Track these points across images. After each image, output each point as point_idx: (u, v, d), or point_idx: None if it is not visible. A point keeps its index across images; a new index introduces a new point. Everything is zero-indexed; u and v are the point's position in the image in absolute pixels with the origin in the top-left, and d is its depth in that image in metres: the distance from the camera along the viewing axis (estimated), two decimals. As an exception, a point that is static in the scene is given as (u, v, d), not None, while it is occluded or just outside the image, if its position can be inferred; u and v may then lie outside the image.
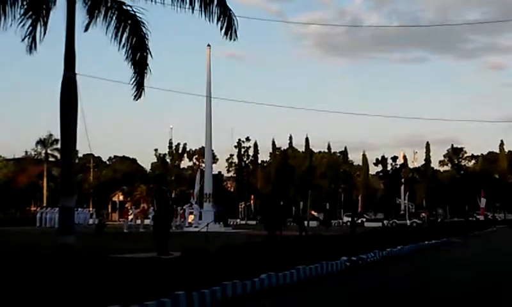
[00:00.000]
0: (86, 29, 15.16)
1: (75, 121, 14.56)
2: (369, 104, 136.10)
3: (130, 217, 52.31)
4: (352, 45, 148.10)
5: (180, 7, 15.35)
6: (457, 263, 18.48)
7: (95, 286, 8.02)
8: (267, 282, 10.92)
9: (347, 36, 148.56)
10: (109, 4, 15.22)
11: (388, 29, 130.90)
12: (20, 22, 14.74)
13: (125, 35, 15.30)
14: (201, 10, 15.33)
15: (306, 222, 71.06)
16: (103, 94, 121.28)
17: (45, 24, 14.89)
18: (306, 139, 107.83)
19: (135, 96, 15.80)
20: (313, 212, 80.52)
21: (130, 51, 15.41)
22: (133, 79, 15.60)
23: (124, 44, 15.37)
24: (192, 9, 15.34)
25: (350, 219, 55.87)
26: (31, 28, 14.85)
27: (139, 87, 15.72)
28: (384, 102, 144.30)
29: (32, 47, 15.15)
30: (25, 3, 14.71)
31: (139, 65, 15.53)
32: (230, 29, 15.61)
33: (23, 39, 14.93)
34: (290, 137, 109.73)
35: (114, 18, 15.26)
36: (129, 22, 15.34)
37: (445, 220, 75.25)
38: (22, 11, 14.72)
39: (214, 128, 52.62)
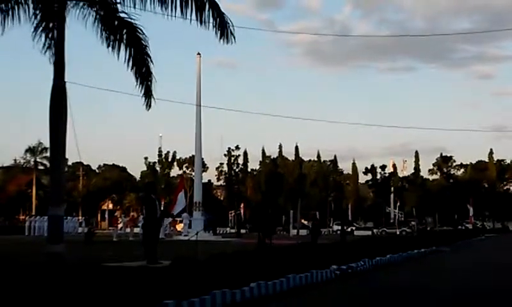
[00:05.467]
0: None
1: (65, 129, 14.52)
2: (359, 113, 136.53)
3: (119, 226, 52.07)
4: (341, 54, 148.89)
5: (172, 14, 15.31)
6: (444, 271, 18.55)
7: (84, 295, 8.00)
8: (256, 291, 10.92)
9: (336, 44, 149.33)
10: (102, 13, 15.17)
11: (377, 37, 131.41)
12: (35, 34, 14.74)
13: (122, 44, 15.23)
14: (194, 17, 15.27)
15: (296, 231, 71.41)
16: (93, 102, 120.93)
17: (62, 34, 14.80)
18: (296, 148, 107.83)
19: (146, 105, 15.74)
20: (303, 221, 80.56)
21: (130, 60, 15.31)
22: (140, 89, 15.51)
23: (123, 53, 15.29)
24: (185, 16, 15.30)
25: (340, 228, 55.96)
26: (48, 40, 14.81)
27: (148, 96, 15.65)
28: (374, 111, 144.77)
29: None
30: (38, 16, 14.71)
31: (143, 74, 15.46)
32: (225, 32, 15.54)
33: (44, 52, 14.89)
34: (280, 146, 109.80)
35: (109, 27, 15.20)
36: (125, 30, 15.29)
37: (434, 228, 75.45)
38: (35, 23, 14.71)
39: (204, 137, 52.62)
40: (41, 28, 14.74)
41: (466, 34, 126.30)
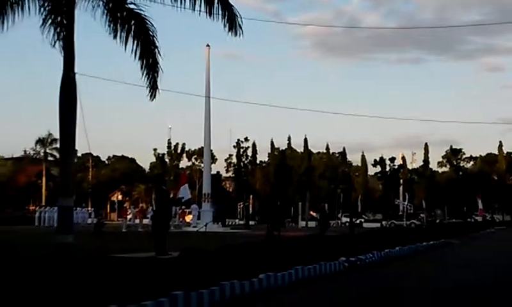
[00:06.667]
0: (116, 37, 15.13)
1: (75, 120, 14.54)
2: (368, 105, 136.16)
3: (128, 217, 52.36)
4: (350, 46, 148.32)
5: (181, 6, 15.29)
6: (453, 265, 18.52)
7: (93, 285, 8.03)
8: (265, 282, 10.93)
9: (344, 36, 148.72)
10: (110, 4, 15.15)
11: (386, 29, 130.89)
12: (44, 26, 14.70)
13: (130, 35, 15.20)
14: (203, 9, 15.25)
15: (304, 223, 71.45)
16: (102, 93, 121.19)
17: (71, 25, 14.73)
18: (305, 140, 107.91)
19: (150, 97, 15.68)
20: (312, 212, 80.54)
21: (138, 51, 15.26)
22: (146, 80, 15.43)
23: (131, 45, 15.23)
24: (193, 8, 15.28)
25: (348, 220, 55.95)
26: (57, 32, 14.77)
27: (153, 88, 15.62)
28: (383, 103, 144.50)
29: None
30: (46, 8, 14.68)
31: (150, 65, 15.41)
32: (234, 25, 15.50)
33: (53, 44, 14.82)
34: (289, 138, 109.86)
35: (117, 17, 15.17)
36: (133, 21, 15.25)
37: (443, 221, 75.25)
38: (44, 15, 14.68)
39: (213, 128, 52.60)
40: (50, 20, 14.73)
41: (476, 26, 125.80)
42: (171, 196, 22.61)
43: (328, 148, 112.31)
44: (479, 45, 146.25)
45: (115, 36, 15.22)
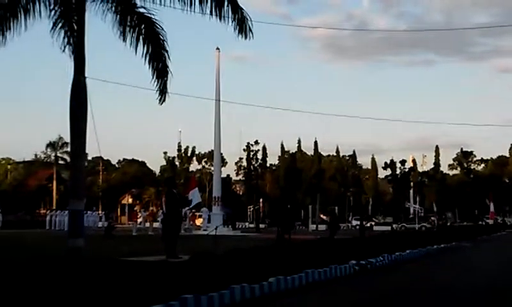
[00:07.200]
0: (125, 40, 15.20)
1: (85, 124, 14.61)
2: (378, 107, 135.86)
3: (139, 220, 52.30)
4: (360, 48, 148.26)
5: (191, 10, 15.33)
6: (464, 268, 18.42)
7: (103, 289, 8.05)
8: (275, 285, 10.91)
9: (354, 38, 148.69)
10: (120, 8, 15.19)
11: (396, 32, 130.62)
12: (54, 30, 14.78)
13: (140, 39, 15.25)
14: (213, 12, 15.28)
15: (315, 226, 71.43)
16: (112, 97, 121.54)
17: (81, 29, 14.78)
18: (315, 143, 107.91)
19: (159, 100, 15.74)
20: (322, 215, 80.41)
21: (148, 55, 15.32)
22: (155, 84, 15.49)
23: (141, 48, 15.29)
24: (204, 11, 15.32)
25: (359, 223, 55.82)
26: (67, 36, 14.83)
27: (162, 91, 15.66)
28: (393, 106, 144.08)
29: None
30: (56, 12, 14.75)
31: (159, 69, 15.46)
32: (244, 27, 15.52)
33: (63, 49, 14.88)
34: (299, 141, 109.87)
35: (127, 21, 15.22)
36: (144, 25, 15.30)
37: (454, 224, 74.94)
38: (54, 19, 14.75)
39: (223, 131, 52.61)
40: (60, 24, 14.80)
41: (485, 28, 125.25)
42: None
43: (337, 151, 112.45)
44: (488, 46, 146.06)
45: (125, 40, 15.30)
